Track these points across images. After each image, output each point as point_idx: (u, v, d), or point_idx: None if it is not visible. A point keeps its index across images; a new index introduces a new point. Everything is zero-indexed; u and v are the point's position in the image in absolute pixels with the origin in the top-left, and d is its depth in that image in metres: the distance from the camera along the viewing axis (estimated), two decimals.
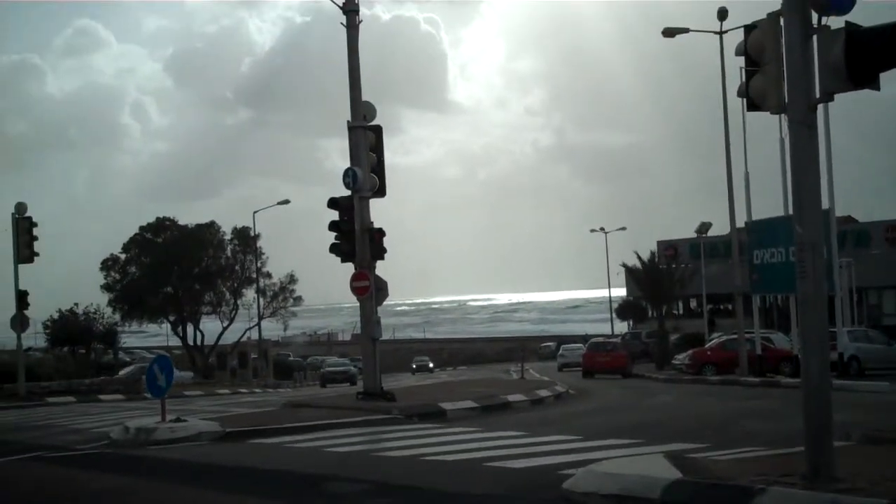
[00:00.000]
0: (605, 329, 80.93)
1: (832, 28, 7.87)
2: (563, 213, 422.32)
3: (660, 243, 66.91)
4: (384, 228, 21.11)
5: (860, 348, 32.62)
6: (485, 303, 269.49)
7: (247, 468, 12.08)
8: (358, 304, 21.68)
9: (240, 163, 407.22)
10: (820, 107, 8.25)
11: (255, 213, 58.71)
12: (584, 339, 63.17)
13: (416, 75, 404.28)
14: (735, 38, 26.88)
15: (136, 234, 61.95)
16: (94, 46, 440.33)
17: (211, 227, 62.70)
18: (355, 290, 21.09)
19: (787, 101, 8.12)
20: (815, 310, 8.17)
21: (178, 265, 60.00)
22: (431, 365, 74.03)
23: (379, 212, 21.50)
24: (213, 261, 62.18)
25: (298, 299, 65.00)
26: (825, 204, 8.18)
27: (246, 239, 61.48)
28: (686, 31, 33.19)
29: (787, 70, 8.07)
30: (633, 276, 53.80)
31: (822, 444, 8.01)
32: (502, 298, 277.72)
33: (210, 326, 63.93)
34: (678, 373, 36.91)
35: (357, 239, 20.76)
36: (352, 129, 21.04)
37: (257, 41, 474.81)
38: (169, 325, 63.68)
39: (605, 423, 17.50)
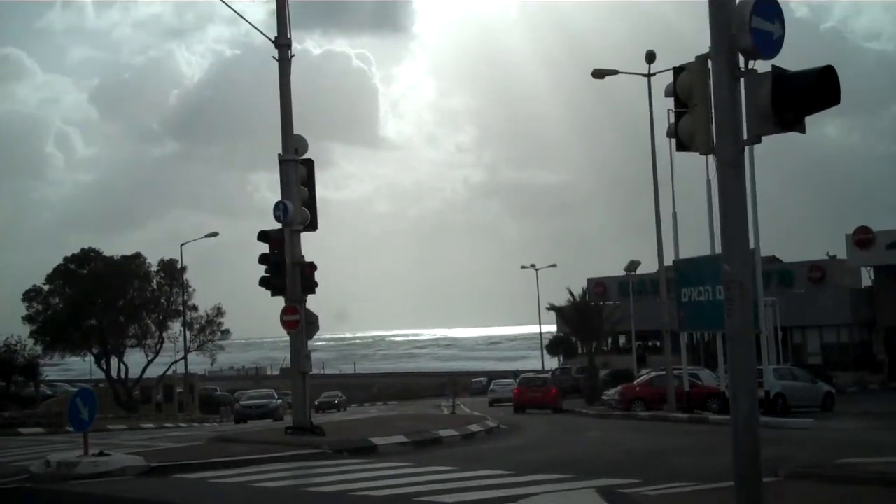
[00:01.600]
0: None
1: (759, 72, 8.08)
2: (494, 249, 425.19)
3: (590, 280, 67.64)
4: (315, 263, 21.00)
5: (785, 386, 33.24)
6: (408, 338, 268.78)
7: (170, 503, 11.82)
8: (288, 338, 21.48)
9: (167, 195, 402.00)
10: (747, 148, 8.44)
11: (182, 245, 58.00)
12: (514, 374, 63.35)
13: (348, 110, 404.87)
14: (663, 81, 27.60)
15: (59, 265, 60.55)
16: (17, 75, 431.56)
17: (137, 258, 61.66)
18: (285, 323, 20.89)
19: (715, 142, 8.29)
20: (743, 346, 8.30)
21: (102, 297, 58.72)
22: (337, 402, 63.66)
23: (310, 246, 21.39)
24: (139, 293, 61.06)
25: (226, 332, 64.07)
26: (751, 244, 8.37)
27: (172, 271, 60.56)
28: (615, 72, 33.81)
29: (716, 112, 8.24)
30: (562, 314, 54.30)
31: (750, 481, 8.10)
32: (430, 334, 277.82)
33: (135, 359, 62.65)
34: (608, 408, 37.18)
35: (288, 272, 20.60)
36: (283, 162, 20.95)
37: (186, 73, 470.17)
38: (92, 358, 62.22)
39: (536, 457, 17.52)
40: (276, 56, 21.32)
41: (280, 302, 20.94)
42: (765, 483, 8.48)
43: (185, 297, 60.19)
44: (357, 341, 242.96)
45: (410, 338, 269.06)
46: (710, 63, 8.29)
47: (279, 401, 45.73)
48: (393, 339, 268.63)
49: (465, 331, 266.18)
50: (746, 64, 8.10)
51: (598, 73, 33.90)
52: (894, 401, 39.93)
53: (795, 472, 11.91)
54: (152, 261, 61.95)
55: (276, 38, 21.28)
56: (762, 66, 8.06)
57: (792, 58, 8.23)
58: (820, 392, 35.52)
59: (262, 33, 21.37)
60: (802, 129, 8.16)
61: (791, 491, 10.21)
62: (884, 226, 55.56)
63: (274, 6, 21.31)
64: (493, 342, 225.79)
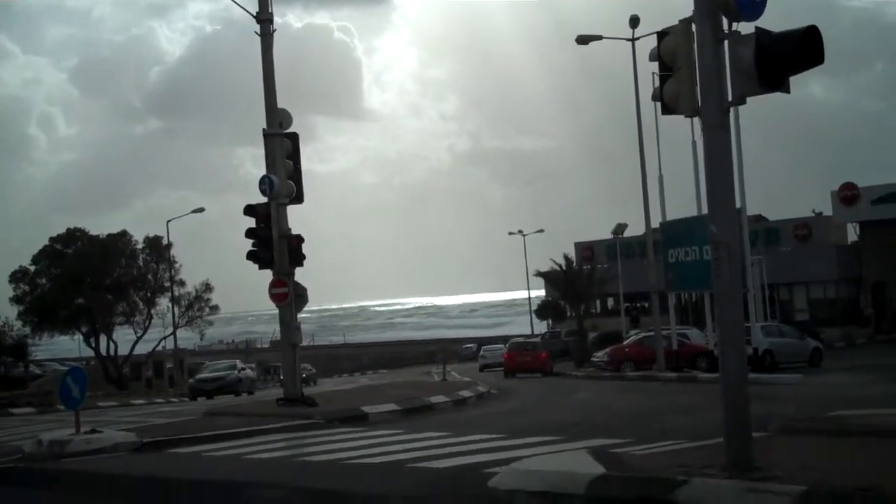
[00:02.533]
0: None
1: (743, 33, 8.10)
2: (480, 216, 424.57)
3: (577, 244, 67.77)
4: (302, 235, 20.98)
5: (773, 343, 33.51)
6: (391, 307, 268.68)
7: (165, 478, 11.87)
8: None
9: (151, 172, 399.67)
10: (731, 109, 8.47)
11: (168, 221, 57.87)
12: (504, 340, 63.62)
13: (331, 83, 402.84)
14: (647, 45, 27.50)
15: (45, 246, 60.34)
16: None
17: (123, 237, 61.47)
18: (274, 296, 20.91)
19: (700, 104, 8.32)
20: (731, 306, 8.39)
21: (89, 276, 58.58)
22: (305, 375, 55.91)
23: (296, 219, 21.36)
24: (126, 271, 60.94)
25: (215, 308, 64.03)
26: (737, 203, 8.38)
27: (158, 248, 60.41)
28: (599, 38, 33.74)
29: (700, 74, 8.26)
30: (551, 279, 54.48)
31: (740, 436, 8.22)
32: (417, 302, 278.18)
33: (124, 337, 62.61)
34: (597, 370, 37.44)
35: (275, 246, 20.57)
36: (268, 136, 20.85)
37: (167, 50, 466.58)
38: (81, 337, 62.16)
39: (527, 421, 17.65)
40: (258, 31, 21.16)
41: (268, 275, 20.94)
42: (754, 438, 8.60)
43: (172, 274, 60.12)
44: (340, 312, 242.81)
45: (395, 307, 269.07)
46: (693, 26, 8.32)
47: (241, 372, 42.69)
48: (377, 308, 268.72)
49: (452, 298, 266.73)
50: (730, 26, 8.12)
51: (583, 39, 33.83)
52: (881, 354, 40.31)
53: (785, 426, 12.04)
54: (138, 238, 61.85)
55: (257, 12, 21.11)
56: (746, 27, 8.09)
57: (776, 18, 8.25)
58: (808, 348, 35.81)
59: (244, 8, 21.20)
60: (787, 90, 8.20)
61: (781, 444, 10.34)
62: (868, 182, 55.94)
63: None
64: (472, 309, 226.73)
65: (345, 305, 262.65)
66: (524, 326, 78.89)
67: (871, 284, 56.67)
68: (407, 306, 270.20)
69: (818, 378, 28.36)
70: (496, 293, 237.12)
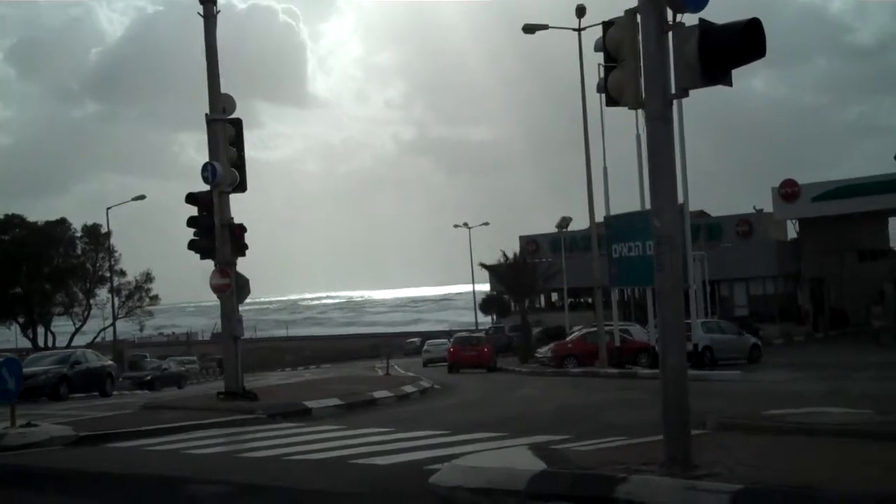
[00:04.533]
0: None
1: (687, 25, 8.06)
2: (426, 207, 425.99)
3: (522, 238, 67.99)
4: (245, 224, 20.67)
5: (713, 339, 33.89)
6: (321, 300, 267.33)
7: (101, 473, 11.59)
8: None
9: (91, 157, 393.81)
10: (675, 102, 8.44)
11: (108, 209, 56.88)
12: (448, 334, 63.62)
13: (275, 68, 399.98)
14: (593, 35, 27.53)
15: None
16: None
17: (61, 224, 60.35)
18: (215, 287, 20.56)
19: (644, 96, 8.27)
20: (672, 301, 8.36)
21: (26, 264, 57.47)
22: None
23: (239, 207, 21.02)
24: (65, 260, 59.87)
25: (155, 298, 63.24)
26: (680, 198, 8.36)
27: (97, 237, 59.42)
28: (545, 27, 33.75)
29: (644, 66, 8.22)
30: (495, 272, 54.61)
31: (679, 433, 8.21)
32: (357, 295, 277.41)
33: (62, 327, 61.52)
34: (541, 366, 37.55)
35: (217, 235, 20.23)
36: (210, 122, 20.49)
37: (107, 31, 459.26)
38: (18, 327, 60.98)
39: (470, 417, 17.58)
40: (202, 12, 20.76)
41: (210, 265, 20.60)
42: (693, 435, 8.60)
43: (112, 263, 59.19)
44: (270, 305, 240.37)
45: (325, 300, 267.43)
46: (638, 17, 8.25)
47: (62, 369, 32.88)
48: (310, 302, 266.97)
49: (393, 292, 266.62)
50: (674, 17, 8.07)
51: (529, 28, 33.81)
52: (818, 352, 41.08)
53: (722, 423, 12.12)
54: (77, 226, 60.81)
55: None
56: (690, 19, 8.04)
57: (721, 10, 8.22)
58: (747, 344, 36.28)
59: None
60: (729, 82, 8.19)
61: (720, 441, 10.38)
62: (809, 178, 56.80)
63: None
64: (401, 304, 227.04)
65: (281, 298, 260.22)
66: (444, 323, 78.74)
67: (810, 281, 57.64)
68: (337, 300, 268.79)
69: (757, 375, 28.72)
70: (438, 287, 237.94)
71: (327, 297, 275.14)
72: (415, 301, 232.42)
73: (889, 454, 9.37)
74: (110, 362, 38.33)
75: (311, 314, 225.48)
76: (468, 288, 79.01)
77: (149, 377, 44.79)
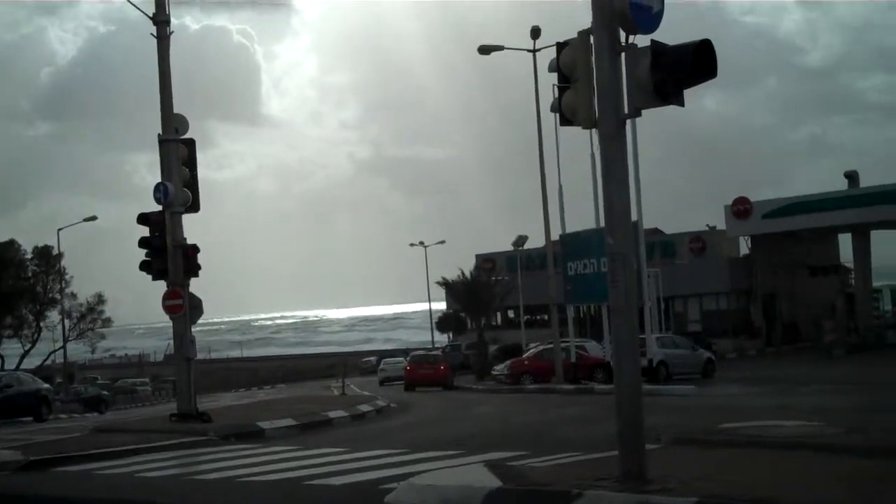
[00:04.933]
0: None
1: (640, 46, 8.16)
2: (382, 227, 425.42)
3: (478, 256, 68.10)
4: (198, 245, 20.48)
5: (668, 354, 34.14)
6: (280, 321, 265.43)
7: (52, 498, 11.36)
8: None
9: (41, 178, 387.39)
10: (628, 122, 8.53)
11: (59, 230, 55.97)
12: (404, 352, 63.42)
13: (229, 87, 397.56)
14: (548, 56, 27.74)
15: None
16: None
17: (11, 245, 59.32)
18: (168, 308, 20.35)
19: (597, 116, 8.35)
20: (626, 318, 8.42)
21: None
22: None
23: (192, 228, 20.83)
24: (14, 282, 58.84)
25: (107, 321, 62.37)
26: (634, 216, 8.42)
27: (48, 258, 58.50)
28: (501, 48, 33.94)
29: (598, 86, 8.29)
30: (451, 290, 54.65)
31: (634, 448, 8.25)
32: (314, 314, 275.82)
33: (11, 350, 60.41)
34: (498, 383, 37.56)
35: (169, 256, 20.03)
36: (163, 142, 20.31)
37: (59, 51, 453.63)
38: None
39: (426, 435, 17.54)
40: (155, 33, 20.60)
41: (163, 286, 20.38)
42: (648, 450, 8.65)
43: (63, 285, 58.32)
44: (222, 326, 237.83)
45: (279, 320, 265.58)
46: (591, 38, 8.33)
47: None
48: (263, 321, 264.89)
49: (346, 311, 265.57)
50: (627, 39, 8.16)
51: (485, 49, 34.01)
52: (771, 366, 41.58)
53: (677, 438, 12.22)
54: (28, 247, 59.87)
55: (154, 14, 20.53)
56: (643, 40, 8.14)
57: (672, 31, 8.33)
58: (701, 359, 36.60)
59: (140, 9, 20.61)
60: (681, 103, 8.28)
61: (672, 456, 10.45)
62: (760, 196, 57.61)
63: None
64: (357, 322, 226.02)
65: (234, 318, 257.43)
66: (394, 342, 78.50)
67: (762, 297, 58.37)
68: (291, 320, 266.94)
69: (711, 389, 28.99)
70: (391, 306, 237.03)
71: (280, 318, 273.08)
72: (368, 320, 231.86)
73: (841, 466, 9.51)
74: (46, 385, 36.91)
75: (264, 334, 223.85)
76: (424, 306, 78.91)
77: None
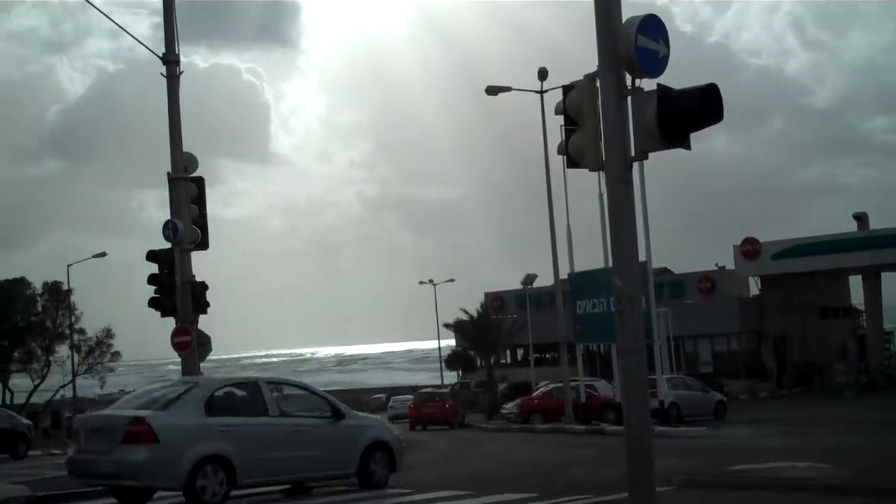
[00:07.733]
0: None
1: (645, 90, 8.21)
2: (390, 265, 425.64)
3: (487, 294, 68.03)
4: (207, 282, 20.54)
5: (679, 395, 33.95)
6: (275, 358, 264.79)
7: None
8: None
9: (51, 215, 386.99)
10: (636, 163, 8.56)
11: (69, 266, 56.09)
12: (413, 389, 63.22)
13: (238, 126, 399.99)
14: (555, 97, 27.93)
15: None
16: None
17: (21, 282, 59.63)
18: (176, 345, 20.33)
19: (604, 158, 8.38)
20: (635, 358, 8.39)
21: None
22: None
23: (201, 265, 20.88)
24: (24, 317, 59.06)
25: (116, 355, 62.44)
26: (642, 256, 8.47)
27: (58, 294, 58.72)
28: (508, 89, 34.19)
29: (604, 129, 8.33)
30: (460, 330, 54.65)
31: (644, 490, 8.18)
32: (322, 352, 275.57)
33: (20, 385, 60.45)
34: (507, 422, 37.35)
35: (178, 293, 20.04)
36: (172, 180, 20.40)
37: (68, 89, 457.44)
38: None
39: (434, 475, 17.40)
40: (164, 73, 20.79)
41: (172, 323, 20.41)
42: (659, 492, 8.58)
43: (72, 320, 58.47)
44: (229, 363, 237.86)
45: (274, 358, 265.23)
46: (598, 81, 8.39)
47: None
48: (271, 359, 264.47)
49: (355, 348, 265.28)
50: (633, 82, 8.21)
51: (492, 90, 34.26)
52: (782, 408, 41.27)
53: (688, 480, 12.14)
54: (37, 283, 60.14)
55: (163, 53, 20.68)
56: (649, 84, 8.19)
57: (679, 72, 8.39)
58: (712, 401, 36.41)
59: (150, 49, 20.78)
60: (687, 146, 8.31)
61: (684, 499, 10.39)
62: (770, 236, 57.47)
63: (158, 19, 20.81)
64: (357, 359, 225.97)
65: (246, 354, 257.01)
66: (401, 378, 78.15)
67: (773, 338, 58.08)
68: (284, 358, 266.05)
69: (722, 431, 28.79)
70: (401, 343, 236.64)
71: (278, 355, 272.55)
72: (356, 358, 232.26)
73: None
74: (26, 421, 36.20)
75: (274, 372, 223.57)
76: (433, 344, 78.69)
77: None
